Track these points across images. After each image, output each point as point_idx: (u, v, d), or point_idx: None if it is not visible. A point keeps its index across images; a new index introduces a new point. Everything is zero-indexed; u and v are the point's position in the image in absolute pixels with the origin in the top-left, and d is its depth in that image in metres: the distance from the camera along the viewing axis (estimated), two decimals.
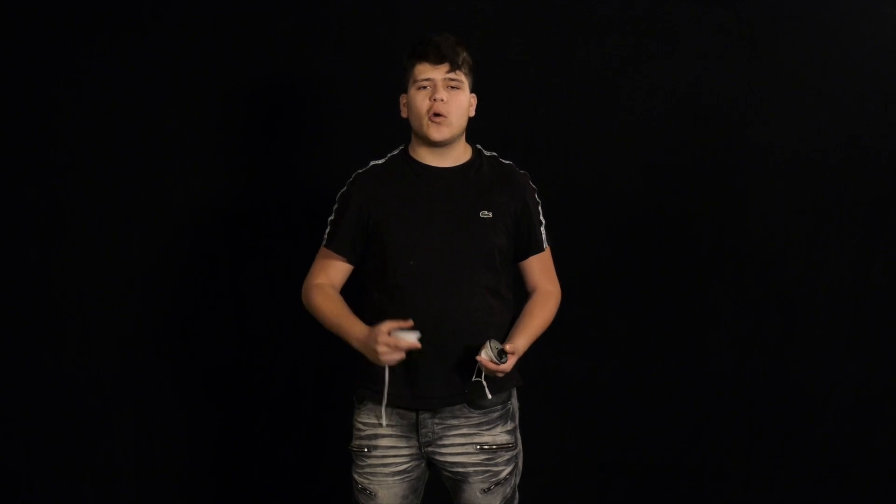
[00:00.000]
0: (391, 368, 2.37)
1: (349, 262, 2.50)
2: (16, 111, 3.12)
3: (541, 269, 2.56)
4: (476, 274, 2.42)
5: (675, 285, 3.25)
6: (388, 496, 2.46)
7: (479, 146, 2.56)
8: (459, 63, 2.42)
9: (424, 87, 2.42)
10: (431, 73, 2.41)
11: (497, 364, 2.30)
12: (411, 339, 2.29)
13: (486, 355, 2.30)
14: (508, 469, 2.48)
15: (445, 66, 2.41)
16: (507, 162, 2.57)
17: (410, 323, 2.30)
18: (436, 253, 2.40)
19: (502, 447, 2.46)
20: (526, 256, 2.54)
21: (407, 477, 2.47)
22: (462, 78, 2.44)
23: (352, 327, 2.40)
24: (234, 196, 3.18)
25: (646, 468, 3.31)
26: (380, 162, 2.54)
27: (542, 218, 2.55)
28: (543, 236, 2.55)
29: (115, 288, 3.17)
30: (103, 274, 3.16)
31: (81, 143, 3.14)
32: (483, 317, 2.41)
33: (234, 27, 3.14)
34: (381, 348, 2.28)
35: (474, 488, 2.45)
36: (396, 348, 2.28)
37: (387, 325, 2.29)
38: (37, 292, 3.16)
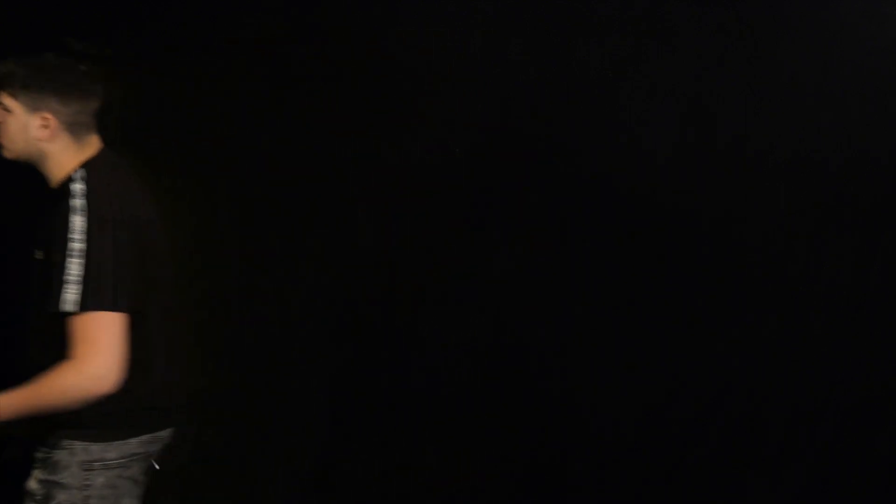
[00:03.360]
0: None
1: None
2: None
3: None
4: (40, 328, 2.22)
5: (675, 285, 3.25)
6: None
7: (92, 164, 2.25)
8: None
9: None
10: None
11: None
12: None
13: None
14: None
15: None
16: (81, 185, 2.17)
17: None
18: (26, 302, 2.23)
19: (28, 493, 2.32)
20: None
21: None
22: (6, 101, 2.25)
23: None
24: (233, 195, 3.19)
25: (646, 468, 3.31)
26: None
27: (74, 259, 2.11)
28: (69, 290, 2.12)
29: None
30: None
31: None
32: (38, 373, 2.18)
33: (234, 27, 3.14)
34: None
35: None
36: None
37: None
38: None
